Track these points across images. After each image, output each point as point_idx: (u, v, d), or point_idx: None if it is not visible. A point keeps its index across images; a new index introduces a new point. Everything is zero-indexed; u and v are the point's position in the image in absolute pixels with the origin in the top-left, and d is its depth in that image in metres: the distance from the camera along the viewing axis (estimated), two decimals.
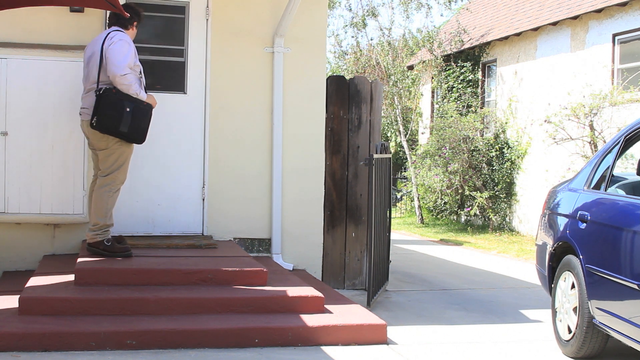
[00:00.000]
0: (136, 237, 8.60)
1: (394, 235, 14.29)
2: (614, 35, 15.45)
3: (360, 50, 22.98)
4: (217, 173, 8.96)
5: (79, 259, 7.34)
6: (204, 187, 8.93)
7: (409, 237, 18.34)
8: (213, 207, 8.96)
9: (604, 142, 14.02)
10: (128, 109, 7.33)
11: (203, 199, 8.94)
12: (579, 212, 6.73)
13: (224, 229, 9.00)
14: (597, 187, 6.84)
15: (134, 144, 7.61)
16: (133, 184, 8.65)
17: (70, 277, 7.02)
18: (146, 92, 7.57)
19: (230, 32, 8.93)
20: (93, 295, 6.64)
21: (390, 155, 9.78)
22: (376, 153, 8.93)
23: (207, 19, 8.87)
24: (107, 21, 7.96)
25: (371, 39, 22.79)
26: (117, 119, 7.29)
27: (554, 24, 17.12)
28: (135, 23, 7.76)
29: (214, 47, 8.93)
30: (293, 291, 7.08)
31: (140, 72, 7.57)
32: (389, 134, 25.31)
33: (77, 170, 8.42)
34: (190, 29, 8.94)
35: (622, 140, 6.75)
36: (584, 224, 6.58)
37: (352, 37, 23.00)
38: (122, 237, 7.79)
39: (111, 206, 7.57)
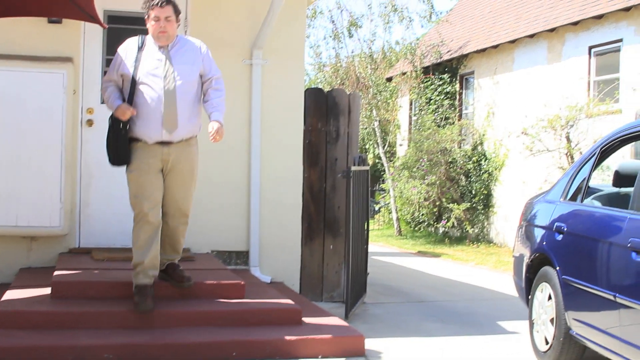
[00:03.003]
0: (113, 249, 8.56)
1: (372, 247, 14.30)
2: (590, 48, 15.58)
3: (340, 62, 23.03)
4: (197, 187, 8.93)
5: (56, 272, 7.30)
6: None
7: (387, 249, 18.36)
8: (191, 219, 8.92)
9: (581, 153, 14.10)
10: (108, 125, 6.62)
11: None
12: (556, 224, 6.76)
13: (202, 241, 8.98)
14: (573, 198, 6.87)
15: (135, 168, 6.59)
16: (110, 195, 8.62)
17: (47, 291, 6.97)
18: (130, 104, 6.53)
19: (208, 43, 8.85)
20: (70, 308, 6.60)
21: (368, 168, 9.80)
22: (354, 165, 8.95)
23: (185, 31, 8.86)
24: None
25: (352, 51, 22.87)
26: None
27: (531, 36, 17.24)
28: (148, 16, 6.62)
29: None
30: (271, 304, 7.07)
31: (132, 81, 6.54)
32: (367, 146, 25.36)
33: (54, 182, 8.36)
34: None
35: (598, 152, 6.79)
36: (561, 236, 6.62)
37: (333, 48, 23.10)
38: (148, 288, 6.63)
39: (138, 241, 6.61)
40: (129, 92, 6.60)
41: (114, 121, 6.57)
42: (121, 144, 6.58)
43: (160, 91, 6.53)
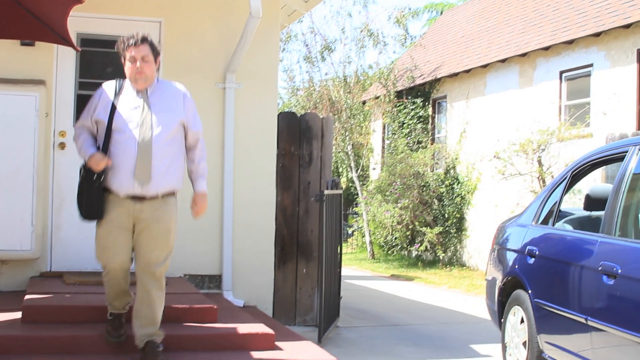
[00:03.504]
0: (85, 273, 8.50)
1: (345, 271, 14.30)
2: (561, 73, 15.73)
3: (313, 85, 23.09)
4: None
5: (27, 296, 7.23)
6: None
7: (360, 272, 18.36)
8: None
9: (552, 177, 14.20)
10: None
11: None
12: (528, 247, 6.80)
13: (174, 265, 8.91)
14: (545, 222, 6.92)
15: (103, 222, 6.03)
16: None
17: (18, 315, 6.90)
18: (103, 152, 5.95)
19: (182, 67, 8.93)
20: (41, 333, 6.53)
21: (341, 191, 9.82)
22: (327, 189, 8.96)
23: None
24: None
25: (326, 74, 22.95)
26: None
27: (503, 61, 17.38)
28: (123, 57, 6.07)
29: None
30: (244, 328, 7.05)
31: (107, 128, 5.94)
32: (340, 170, 25.40)
33: (26, 205, 8.31)
34: None
35: (569, 176, 6.85)
36: (533, 259, 6.65)
37: (306, 72, 23.14)
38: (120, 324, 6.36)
39: (108, 294, 6.26)
40: (104, 140, 5.96)
41: (86, 172, 5.94)
42: (95, 198, 5.97)
43: (135, 140, 5.88)
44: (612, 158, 6.45)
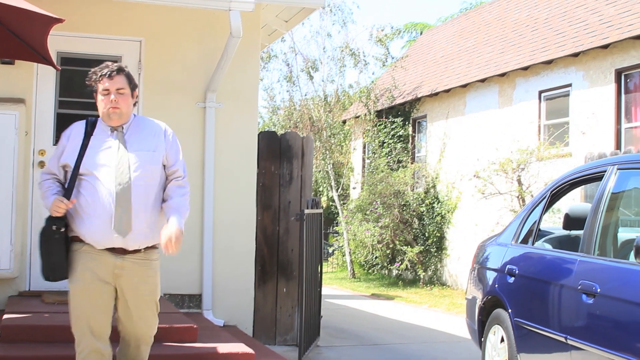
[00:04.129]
0: (64, 292, 8.39)
1: (325, 290, 14.28)
2: (540, 92, 15.83)
3: (294, 104, 23.13)
4: None
5: (5, 316, 7.19)
6: None
7: (341, 291, 18.34)
8: None
9: (532, 196, 14.25)
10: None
11: None
12: (507, 266, 6.82)
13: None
14: (524, 241, 6.94)
15: (77, 278, 5.23)
16: None
17: None
18: (66, 196, 5.19)
19: (162, 86, 8.93)
20: (20, 352, 6.49)
21: (321, 211, 9.82)
22: (307, 208, 8.96)
23: (139, 73, 8.85)
24: None
25: (305, 94, 22.99)
26: None
27: (482, 80, 17.47)
28: (96, 90, 5.34)
29: (146, 102, 8.90)
30: (224, 348, 7.02)
31: (76, 172, 5.20)
32: (321, 189, 25.41)
33: (5, 224, 8.27)
34: None
35: (548, 195, 6.88)
36: (513, 278, 6.67)
37: (287, 91, 23.18)
38: None
39: None
40: (73, 185, 5.19)
41: (46, 221, 5.17)
42: (56, 252, 5.18)
43: (112, 185, 5.12)
44: (590, 177, 6.49)
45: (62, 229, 5.14)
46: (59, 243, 5.16)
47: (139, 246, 5.23)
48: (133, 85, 5.37)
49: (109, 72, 5.25)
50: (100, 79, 5.26)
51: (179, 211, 5.28)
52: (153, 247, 5.34)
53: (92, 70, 5.33)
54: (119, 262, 5.19)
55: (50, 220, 5.15)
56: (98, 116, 5.37)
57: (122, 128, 5.31)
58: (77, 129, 5.36)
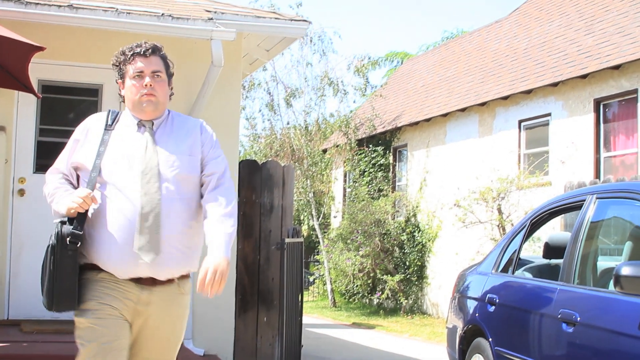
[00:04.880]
0: (43, 321, 8.39)
1: (306, 319, 14.24)
2: (520, 122, 15.93)
3: (275, 133, 23.15)
4: None
5: None
6: None
7: (322, 320, 18.30)
8: None
9: (512, 225, 14.29)
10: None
11: None
12: (488, 295, 6.82)
13: None
14: (505, 270, 6.96)
15: (90, 312, 4.02)
16: (40, 265, 8.46)
17: None
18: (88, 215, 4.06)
19: None
20: None
21: (302, 240, 9.82)
22: (288, 237, 8.96)
23: (120, 102, 8.83)
24: None
25: (287, 123, 23.03)
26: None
27: (463, 110, 17.57)
28: (123, 75, 4.29)
29: None
30: None
31: (93, 176, 4.06)
32: (302, 217, 25.40)
33: None
34: (103, 110, 8.90)
35: (528, 224, 6.91)
36: (493, 307, 6.67)
37: (268, 120, 23.20)
38: None
39: None
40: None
41: (57, 234, 3.98)
42: (66, 273, 3.98)
43: (136, 195, 4.00)
44: (570, 206, 6.53)
45: (78, 243, 3.96)
46: (71, 262, 3.99)
47: (172, 274, 4.12)
48: (170, 72, 4.34)
49: (143, 50, 4.21)
50: (132, 58, 4.20)
51: (226, 232, 4.09)
52: (186, 276, 4.27)
53: (120, 50, 4.31)
54: (145, 297, 4.05)
55: (64, 230, 3.96)
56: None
57: (153, 124, 4.22)
58: (95, 121, 4.26)
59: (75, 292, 4.00)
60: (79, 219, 4.00)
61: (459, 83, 19.39)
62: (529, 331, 6.04)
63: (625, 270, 4.63)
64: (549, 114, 15.08)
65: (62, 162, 4.27)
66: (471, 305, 7.20)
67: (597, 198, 5.92)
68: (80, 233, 3.97)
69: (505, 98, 16.11)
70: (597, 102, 13.88)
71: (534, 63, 16.23)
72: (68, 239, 3.95)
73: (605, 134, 13.87)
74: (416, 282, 18.90)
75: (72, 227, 3.98)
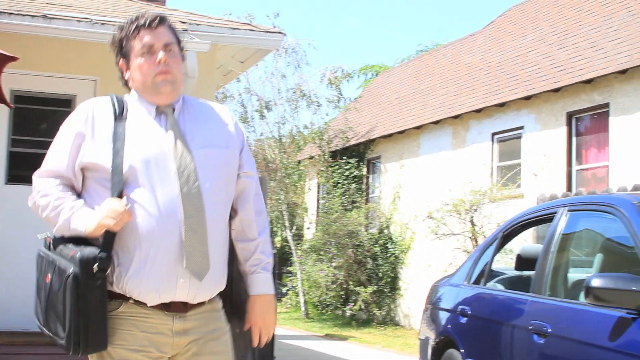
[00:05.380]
0: (15, 333, 8.33)
1: (279, 331, 14.21)
2: (493, 134, 16.02)
3: (249, 145, 23.14)
4: None
5: None
6: None
7: (294, 332, 18.27)
8: None
9: (484, 237, 14.36)
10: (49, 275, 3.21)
11: None
12: (460, 307, 6.85)
13: None
14: (477, 281, 6.99)
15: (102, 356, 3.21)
16: (10, 277, 8.42)
17: None
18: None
19: None
20: None
21: (274, 251, 9.80)
22: None
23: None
24: None
25: (261, 134, 23.03)
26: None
27: (436, 122, 17.64)
28: (127, 52, 3.37)
29: None
30: None
31: (117, 179, 3.17)
32: (275, 229, 25.38)
33: None
34: None
35: (500, 236, 6.95)
36: (465, 318, 6.70)
37: None
38: None
39: None
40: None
41: (80, 260, 3.06)
42: (94, 308, 3.09)
43: (176, 200, 3.18)
44: (542, 219, 6.58)
45: (107, 271, 3.11)
46: (100, 294, 3.11)
47: (211, 294, 3.44)
48: (181, 46, 3.48)
49: (148, 21, 3.36)
50: (136, 32, 3.35)
51: (269, 262, 3.60)
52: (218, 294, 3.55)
53: (118, 25, 3.48)
54: (179, 325, 3.27)
55: (87, 254, 3.07)
56: None
57: (173, 110, 3.36)
58: (98, 109, 3.31)
59: (106, 330, 3.14)
60: (107, 240, 3.12)
61: (432, 96, 19.48)
62: (500, 342, 6.07)
63: (596, 282, 4.66)
64: (522, 127, 15.17)
65: (61, 163, 3.27)
66: (443, 316, 7.22)
67: (568, 210, 5.97)
68: (107, 265, 3.10)
69: (479, 111, 16.20)
70: (570, 116, 13.99)
71: (507, 76, 16.34)
72: (95, 265, 3.07)
73: (577, 147, 13.98)
74: (389, 294, 18.93)
75: (98, 250, 3.10)
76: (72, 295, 3.06)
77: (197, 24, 8.63)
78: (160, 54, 3.29)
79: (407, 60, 28.56)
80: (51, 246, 3.27)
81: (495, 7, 61.84)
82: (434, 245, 16.20)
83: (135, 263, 3.16)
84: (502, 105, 15.54)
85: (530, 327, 5.54)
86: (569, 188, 13.76)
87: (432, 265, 16.57)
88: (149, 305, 3.19)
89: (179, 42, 3.44)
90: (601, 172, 13.42)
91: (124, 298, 3.19)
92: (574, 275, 6.08)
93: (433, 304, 7.61)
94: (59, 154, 3.29)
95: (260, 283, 3.60)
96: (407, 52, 58.62)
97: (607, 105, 13.09)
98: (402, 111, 20.46)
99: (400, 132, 19.04)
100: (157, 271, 3.15)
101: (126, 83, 3.44)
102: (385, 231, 19.49)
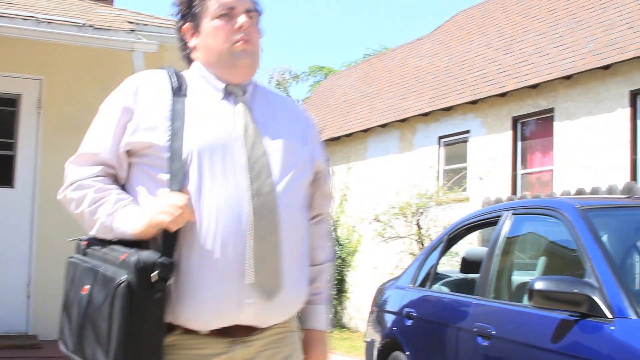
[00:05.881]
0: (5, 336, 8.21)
1: None
2: (440, 138, 16.12)
3: None
4: (45, 269, 8.69)
5: None
6: (29, 284, 8.65)
7: None
8: (39, 305, 8.67)
9: (431, 240, 14.43)
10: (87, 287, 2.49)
11: (28, 297, 8.64)
12: (405, 309, 6.88)
13: (50, 327, 8.70)
14: (422, 284, 7.03)
15: None
16: None
17: None
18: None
19: (62, 126, 8.80)
20: None
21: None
22: None
23: (38, 112, 8.73)
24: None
25: None
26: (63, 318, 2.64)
27: (384, 125, 17.70)
28: (196, 18, 2.74)
29: (45, 141, 8.77)
30: None
31: (177, 165, 2.53)
32: None
33: None
34: (20, 122, 8.77)
35: (445, 239, 7.00)
36: (410, 321, 6.73)
37: None
38: None
39: None
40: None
41: (137, 266, 2.39)
42: (151, 331, 2.41)
43: (243, 198, 2.56)
44: (486, 222, 6.64)
45: (169, 281, 2.45)
46: (158, 311, 2.43)
47: (287, 315, 2.73)
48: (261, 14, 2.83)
49: None
50: None
51: (328, 290, 3.08)
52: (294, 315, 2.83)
53: None
54: (242, 354, 2.60)
55: (145, 259, 2.40)
56: None
57: (246, 92, 2.75)
58: (150, 83, 2.70)
59: (162, 353, 2.45)
60: (168, 240, 2.46)
61: (380, 99, 19.55)
62: (445, 345, 6.11)
63: (539, 285, 4.71)
64: (468, 131, 15.30)
65: (103, 145, 2.63)
66: (389, 319, 7.25)
67: (513, 214, 6.04)
68: (169, 274, 2.43)
69: (426, 115, 16.29)
70: (515, 120, 14.14)
71: (454, 81, 16.46)
72: (154, 273, 2.39)
73: (522, 151, 14.13)
74: (336, 296, 18.95)
75: (158, 254, 2.42)
76: (123, 310, 2.33)
77: (145, 24, 8.58)
78: (242, 18, 2.68)
79: (355, 64, 28.63)
80: (87, 251, 2.60)
81: (443, 12, 62.40)
82: (381, 248, 16.25)
83: (186, 278, 2.48)
84: (449, 109, 15.65)
85: (475, 330, 5.59)
86: (514, 192, 13.91)
87: (378, 268, 16.62)
88: (202, 332, 2.53)
89: (260, 13, 2.80)
90: (546, 176, 13.59)
91: (169, 327, 2.50)
92: (518, 278, 6.15)
93: (379, 307, 7.64)
94: (100, 134, 2.65)
95: (321, 316, 2.99)
96: (355, 56, 58.83)
97: (551, 110, 13.25)
98: (349, 114, 20.51)
99: (348, 135, 19.08)
100: (215, 289, 2.48)
101: (188, 55, 2.81)
102: (333, 234, 19.52)
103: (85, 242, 2.63)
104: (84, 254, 2.60)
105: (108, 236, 2.54)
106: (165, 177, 2.52)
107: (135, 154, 2.60)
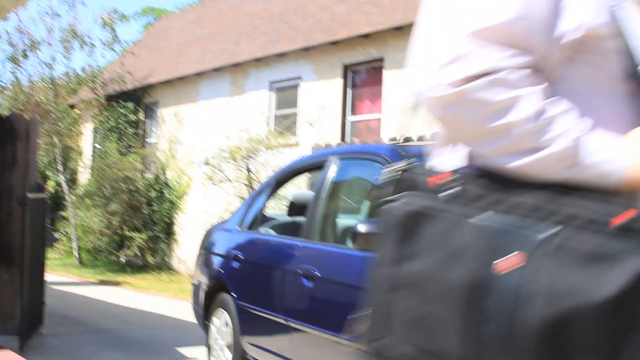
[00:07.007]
0: None
1: (51, 277, 13.91)
2: (271, 83, 16.19)
3: (21, 87, 22.21)
4: None
5: None
6: None
7: (67, 278, 17.89)
8: None
9: (260, 184, 14.56)
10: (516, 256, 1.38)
11: None
12: (232, 252, 6.95)
13: None
14: (250, 227, 7.10)
15: None
16: None
17: None
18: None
19: None
20: None
21: (45, 195, 9.55)
22: (30, 193, 8.69)
23: None
24: None
25: (30, 76, 22.11)
26: None
27: (216, 70, 17.61)
28: None
29: None
30: None
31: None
32: (49, 173, 24.62)
33: None
34: None
35: (273, 183, 7.08)
36: (238, 263, 6.81)
37: (11, 72, 22.18)
38: None
39: None
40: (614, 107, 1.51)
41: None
42: None
43: None
44: (314, 166, 6.75)
45: None
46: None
47: None
48: None
49: None
50: None
51: None
52: None
53: None
54: None
55: None
56: None
57: None
58: None
59: None
60: None
61: (213, 43, 19.41)
62: (271, 286, 6.22)
63: (362, 228, 4.85)
64: (300, 77, 15.42)
65: (532, 16, 1.43)
66: (216, 261, 7.31)
67: (340, 159, 6.16)
68: None
69: (259, 60, 16.31)
70: (346, 68, 14.34)
71: (287, 27, 16.51)
72: None
73: (352, 98, 14.37)
74: (164, 239, 18.88)
75: None
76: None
77: None
78: None
79: (189, 6, 28.24)
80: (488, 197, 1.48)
81: None
82: (210, 192, 16.28)
83: None
84: (281, 55, 15.70)
85: (300, 271, 5.71)
86: (343, 138, 14.16)
87: (207, 212, 16.65)
88: None
89: None
90: (374, 124, 13.87)
91: None
92: (343, 221, 6.30)
93: (206, 249, 7.68)
94: (523, 14, 1.43)
95: None
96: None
97: (382, 59, 13.50)
98: (182, 57, 20.28)
99: (180, 78, 18.89)
100: None
101: None
102: (162, 177, 19.38)
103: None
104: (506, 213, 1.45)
105: (551, 176, 1.43)
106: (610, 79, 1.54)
107: (576, 51, 1.52)
